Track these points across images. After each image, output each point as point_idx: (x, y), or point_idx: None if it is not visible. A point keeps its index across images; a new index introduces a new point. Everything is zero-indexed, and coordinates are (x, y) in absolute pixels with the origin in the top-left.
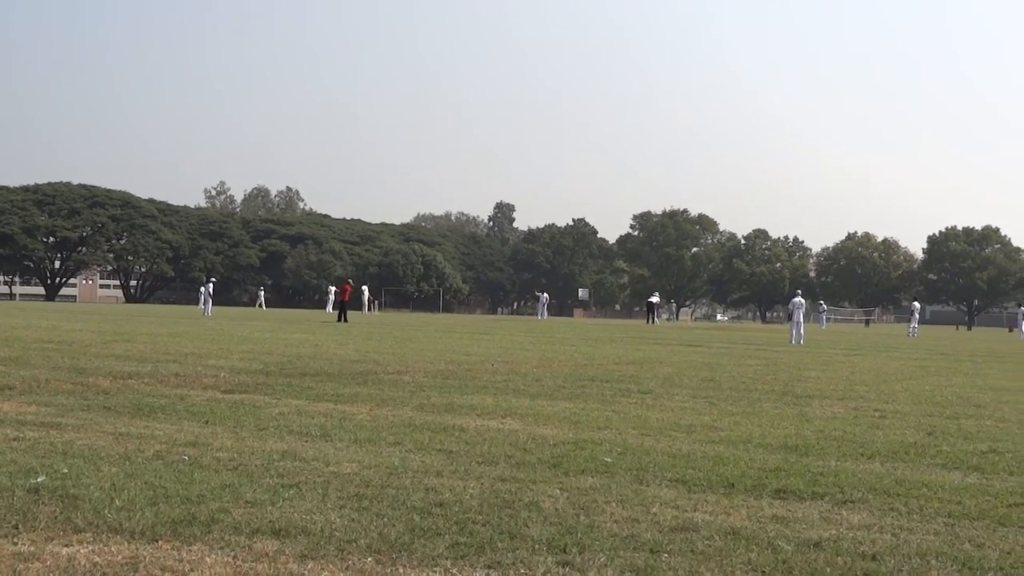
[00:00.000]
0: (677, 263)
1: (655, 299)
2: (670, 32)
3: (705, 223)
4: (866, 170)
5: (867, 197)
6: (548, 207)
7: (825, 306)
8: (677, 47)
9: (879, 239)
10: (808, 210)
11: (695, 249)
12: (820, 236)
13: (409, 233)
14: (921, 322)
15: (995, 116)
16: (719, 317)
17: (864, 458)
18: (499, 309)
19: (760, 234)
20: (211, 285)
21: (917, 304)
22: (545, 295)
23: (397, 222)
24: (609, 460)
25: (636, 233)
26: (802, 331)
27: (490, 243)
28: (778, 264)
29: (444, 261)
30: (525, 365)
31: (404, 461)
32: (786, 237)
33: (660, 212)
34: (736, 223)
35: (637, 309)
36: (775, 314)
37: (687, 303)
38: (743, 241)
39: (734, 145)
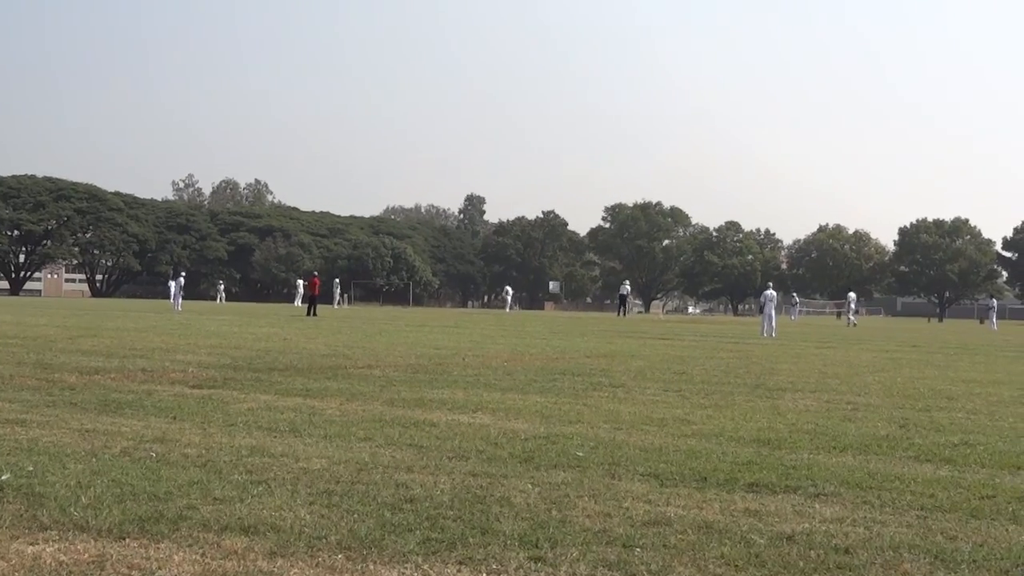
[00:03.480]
0: (648, 256)
1: (626, 291)
2: (640, 22)
3: (677, 216)
4: (837, 164)
5: (838, 190)
6: (519, 200)
7: (797, 299)
8: (649, 39)
9: (850, 231)
10: (780, 203)
11: (667, 242)
12: (792, 229)
13: (379, 226)
14: (893, 314)
15: (959, 114)
16: (691, 310)
17: (837, 451)
18: (470, 302)
19: (732, 226)
20: (181, 279)
21: (852, 295)
22: (509, 288)
23: (366, 214)
24: (581, 454)
25: (607, 225)
26: (774, 324)
27: (460, 236)
28: (750, 256)
29: (414, 254)
30: (496, 359)
31: (374, 456)
32: (758, 230)
33: (632, 204)
34: (708, 216)
35: (608, 302)
36: (747, 307)
37: (659, 296)
38: (715, 234)
39: (707, 138)
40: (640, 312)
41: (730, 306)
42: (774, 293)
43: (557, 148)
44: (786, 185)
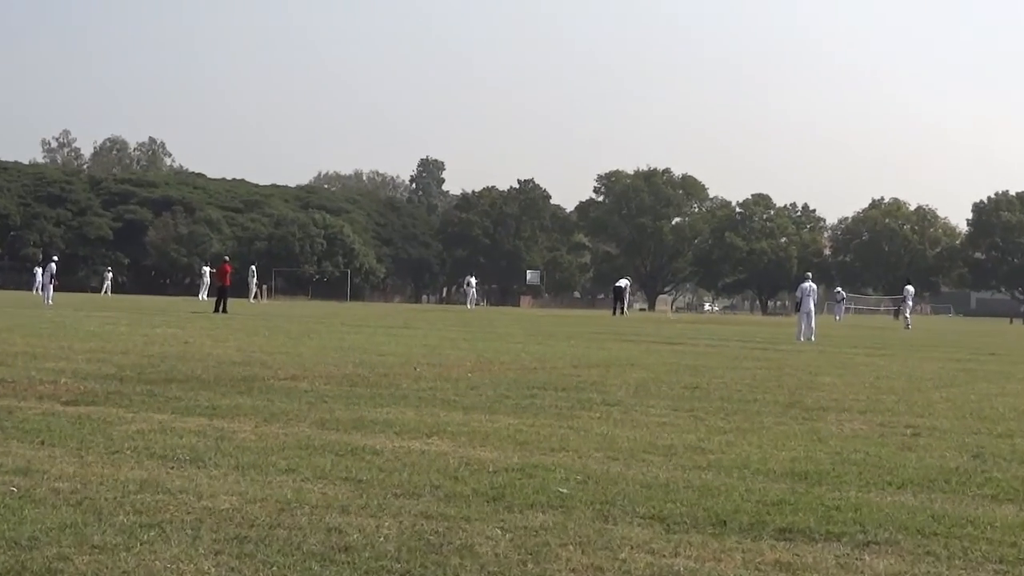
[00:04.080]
0: (654, 237)
1: (624, 283)
2: None
3: (690, 186)
4: (894, 122)
5: (895, 155)
6: (488, 165)
7: (843, 293)
8: None
9: (911, 207)
10: (821, 172)
11: (677, 220)
12: (837, 205)
13: (308, 198)
14: (965, 312)
15: None
16: (707, 307)
17: (893, 487)
18: (424, 296)
19: (760, 201)
20: (53, 265)
21: (910, 288)
22: (473, 279)
23: (292, 183)
24: (565, 491)
25: (601, 199)
26: (813, 325)
27: (413, 211)
28: (783, 239)
29: (353, 234)
30: (457, 369)
31: (299, 493)
32: (793, 205)
33: (632, 172)
34: (730, 188)
35: (602, 296)
36: (779, 303)
37: (666, 289)
38: (739, 210)
39: (728, 91)
40: (642, 310)
41: (757, 302)
42: (814, 286)
43: (536, 100)
44: (829, 149)
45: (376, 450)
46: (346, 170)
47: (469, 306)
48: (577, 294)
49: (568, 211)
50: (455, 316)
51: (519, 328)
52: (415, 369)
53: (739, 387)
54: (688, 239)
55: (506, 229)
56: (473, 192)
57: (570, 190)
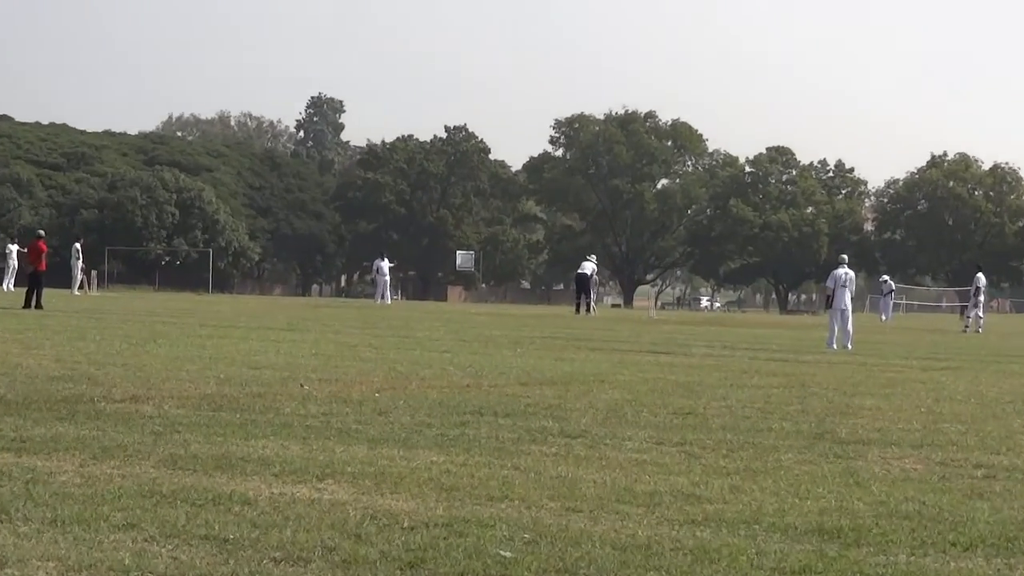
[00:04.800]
0: (632, 206)
1: (590, 268)
2: None
3: (683, 136)
4: (960, 44)
5: (964, 94)
6: (402, 105)
7: (892, 283)
8: None
9: (984, 165)
10: (862, 117)
11: (664, 182)
12: (882, 162)
13: (154, 150)
14: None
15: None
16: (704, 302)
17: (957, 549)
18: (316, 286)
19: (779, 156)
20: None
21: (983, 277)
22: (386, 263)
23: (133, 130)
24: (508, 555)
25: (559, 153)
26: (850, 327)
27: (300, 169)
28: (809, 209)
29: (217, 200)
30: (361, 386)
31: (142, 559)
32: (823, 163)
33: (603, 116)
34: (736, 138)
35: (560, 288)
36: (803, 297)
37: (648, 278)
38: (749, 169)
39: (732, 21)
40: (616, 306)
41: (773, 296)
42: (851, 274)
43: (469, 14)
44: (870, 88)
45: (248, 498)
46: (207, 112)
47: (379, 300)
48: (526, 284)
49: (514, 170)
50: (358, 314)
51: (446, 331)
52: (302, 387)
53: (748, 412)
54: (679, 209)
55: (428, 194)
56: (383, 143)
57: (517, 141)
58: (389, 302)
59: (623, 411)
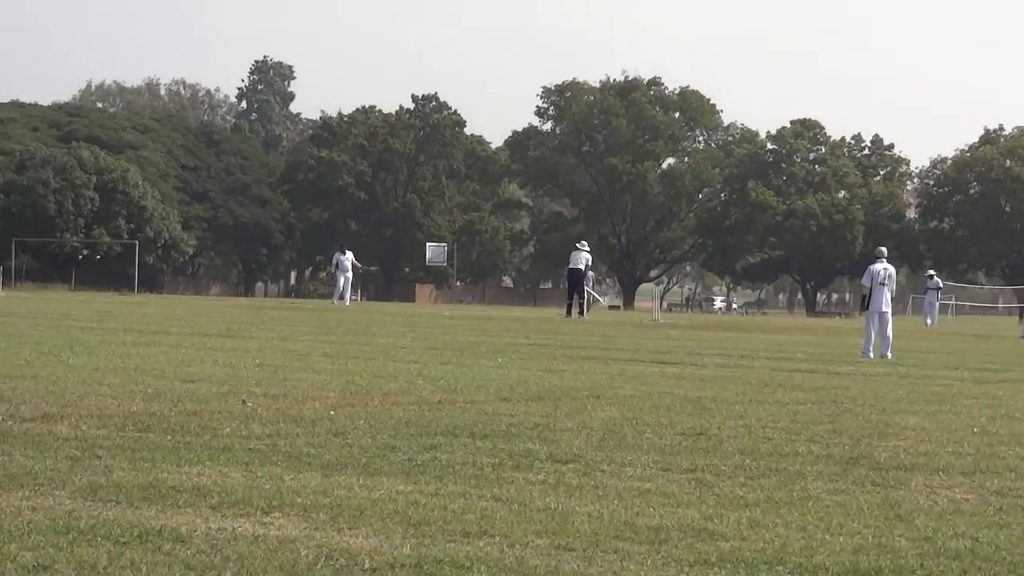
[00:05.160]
0: (633, 190)
1: (584, 260)
2: None
3: (693, 107)
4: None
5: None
6: (362, 71)
7: (939, 280)
8: None
9: None
10: (902, 85)
11: (670, 161)
12: (926, 137)
13: (70, 124)
14: None
15: None
16: (718, 303)
17: None
18: (261, 285)
19: (806, 130)
20: None
21: None
22: (348, 257)
23: (44, 101)
24: None
25: (547, 127)
26: (890, 332)
27: (242, 146)
28: (842, 193)
29: (144, 184)
30: (314, 403)
31: None
32: (857, 138)
33: (598, 84)
34: (756, 110)
35: (548, 286)
36: (835, 296)
37: (652, 275)
38: (771, 145)
39: None
40: (615, 308)
41: (799, 296)
42: (891, 269)
43: None
44: (912, 50)
45: (181, 535)
46: (132, 79)
47: (337, 301)
48: (508, 281)
49: (494, 147)
50: (311, 317)
51: (414, 337)
52: (244, 404)
53: (769, 433)
54: (688, 193)
55: (393, 176)
56: (340, 116)
57: (497, 113)
58: (348, 303)
59: (622, 432)
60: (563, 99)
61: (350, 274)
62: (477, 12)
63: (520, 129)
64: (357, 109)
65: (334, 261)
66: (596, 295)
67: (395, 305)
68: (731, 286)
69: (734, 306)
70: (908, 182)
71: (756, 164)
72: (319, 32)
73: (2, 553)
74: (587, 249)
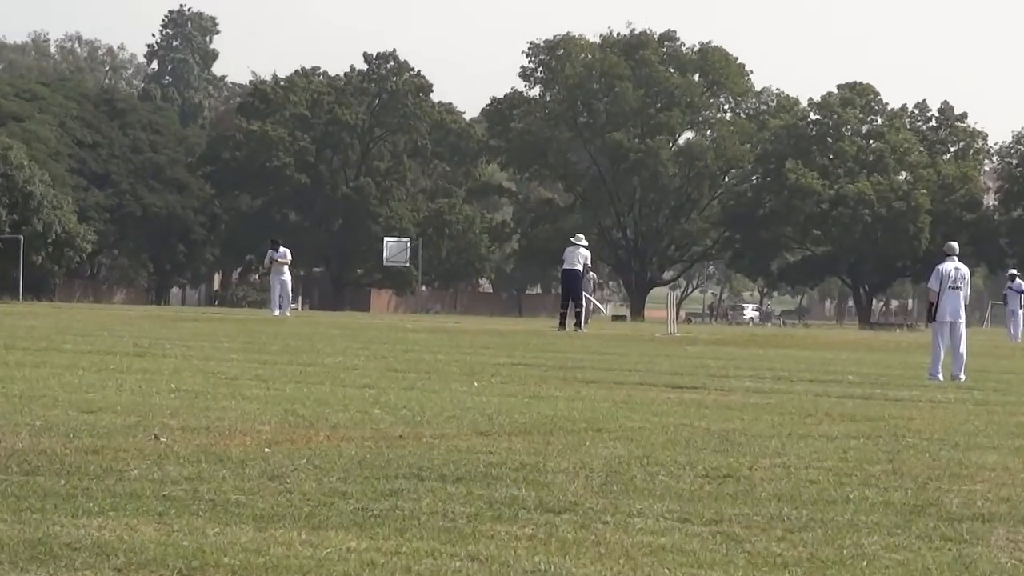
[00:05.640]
0: (643, 170)
1: (580, 259)
2: None
3: (717, 67)
4: None
5: None
6: (302, 24)
7: (1023, 281)
8: None
9: None
10: (977, 43)
11: (689, 135)
12: (1009, 107)
13: None
14: None
15: None
16: (749, 312)
17: None
18: (177, 290)
19: (857, 95)
20: None
21: None
22: (282, 251)
23: None
24: None
25: (535, 93)
26: (963, 347)
27: (153, 117)
28: (903, 175)
29: (31, 165)
30: (244, 437)
31: None
32: (922, 105)
33: (599, 39)
34: (795, 71)
35: (536, 290)
36: (896, 303)
37: (667, 275)
38: (814, 116)
39: None
40: (620, 318)
41: (850, 303)
42: (964, 270)
43: None
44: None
45: None
46: (15, 34)
47: (276, 311)
48: (486, 285)
49: (469, 118)
50: (240, 331)
51: (369, 355)
52: (157, 439)
53: (813, 474)
54: (711, 175)
55: (342, 154)
56: (275, 80)
57: (472, 75)
58: (288, 313)
59: (630, 473)
60: (554, 58)
61: (288, 277)
62: None
63: (501, 96)
64: (296, 71)
65: (267, 259)
66: (596, 303)
67: (345, 315)
68: (765, 291)
69: (773, 315)
70: (986, 161)
71: (796, 139)
72: None
73: None
74: (585, 244)
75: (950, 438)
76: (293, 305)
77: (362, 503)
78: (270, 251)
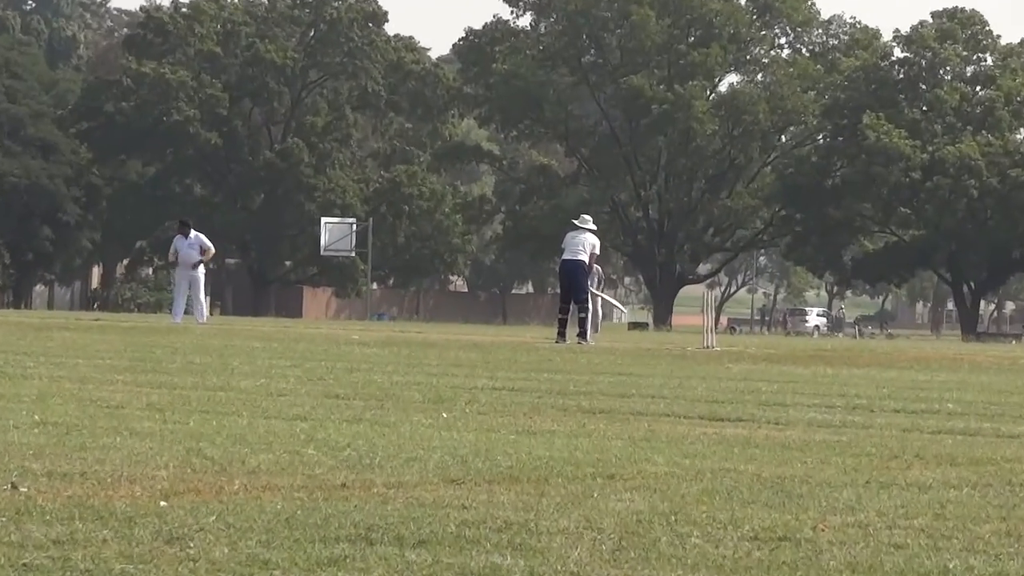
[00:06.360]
0: (670, 127)
1: (586, 247)
2: None
3: None
4: None
5: None
6: None
7: None
8: None
9: None
10: None
11: (732, 80)
12: None
13: None
14: None
15: None
16: (815, 317)
17: None
18: (42, 288)
19: (957, 27)
20: None
21: None
22: (194, 237)
23: None
24: None
25: (523, 22)
26: None
27: (11, 55)
28: (1021, 134)
29: None
30: (132, 486)
31: None
32: None
33: None
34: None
35: (526, 289)
36: (1012, 307)
37: (703, 269)
38: (900, 53)
39: None
40: (638, 326)
41: (950, 304)
42: None
43: None
44: None
45: None
46: None
47: (178, 318)
48: (459, 282)
49: (436, 57)
50: (128, 344)
51: (301, 376)
52: (15, 488)
53: (900, 537)
54: (764, 133)
55: (265, 106)
56: (175, 5)
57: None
58: (205, 320)
59: (652, 535)
60: None
61: (199, 273)
62: None
63: (479, 27)
64: None
65: (172, 250)
66: (611, 299)
67: (269, 322)
68: (835, 290)
69: (847, 321)
70: None
71: (877, 84)
72: None
73: None
74: (593, 229)
75: None
76: (212, 313)
77: (291, 575)
78: (177, 238)
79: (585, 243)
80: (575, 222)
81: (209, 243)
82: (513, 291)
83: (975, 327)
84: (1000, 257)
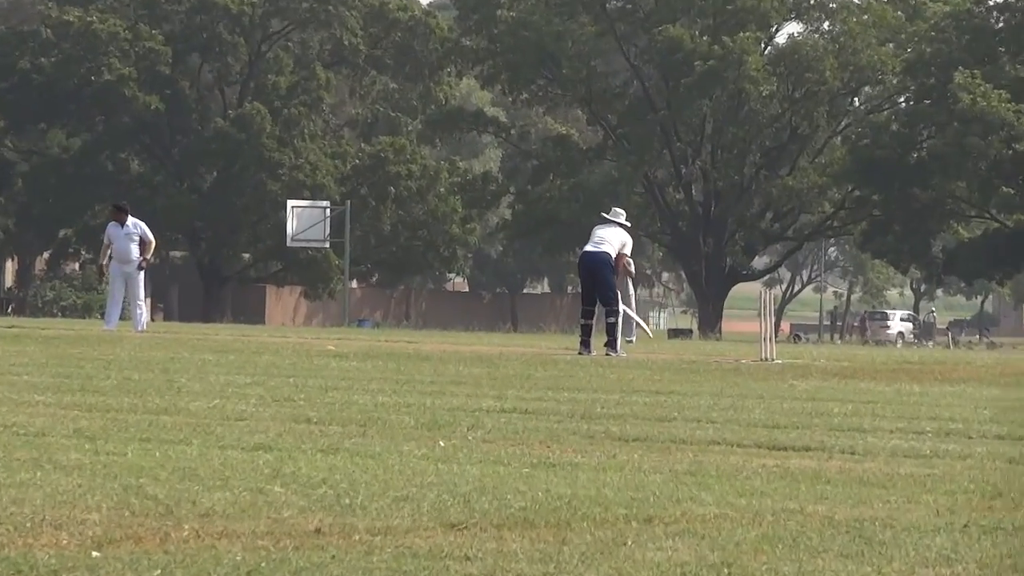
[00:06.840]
0: (716, 86)
1: (614, 241)
2: None
3: None
4: None
5: None
6: None
7: None
8: None
9: None
10: None
11: (793, 29)
12: None
13: None
14: None
15: None
16: (897, 322)
17: None
18: None
19: None
20: None
21: None
22: (132, 224)
23: None
24: None
25: None
26: None
27: None
28: None
29: None
30: (57, 533)
31: None
32: None
33: None
34: None
35: (541, 288)
36: None
37: (758, 263)
38: None
39: None
40: (680, 333)
41: None
42: None
43: None
44: None
45: None
46: None
47: (112, 324)
48: (459, 280)
49: (428, 3)
50: (50, 355)
51: (265, 395)
52: None
53: None
54: (832, 95)
55: (217, 63)
56: None
57: None
58: (144, 328)
59: None
60: None
61: (134, 270)
62: None
63: None
64: None
65: (105, 240)
66: (635, 316)
67: (225, 329)
68: (923, 289)
69: (938, 328)
70: None
71: (971, 35)
72: None
73: None
74: (626, 224)
75: None
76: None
77: None
78: (111, 225)
79: (614, 236)
80: (606, 215)
81: (150, 234)
82: (524, 291)
83: None
84: None
